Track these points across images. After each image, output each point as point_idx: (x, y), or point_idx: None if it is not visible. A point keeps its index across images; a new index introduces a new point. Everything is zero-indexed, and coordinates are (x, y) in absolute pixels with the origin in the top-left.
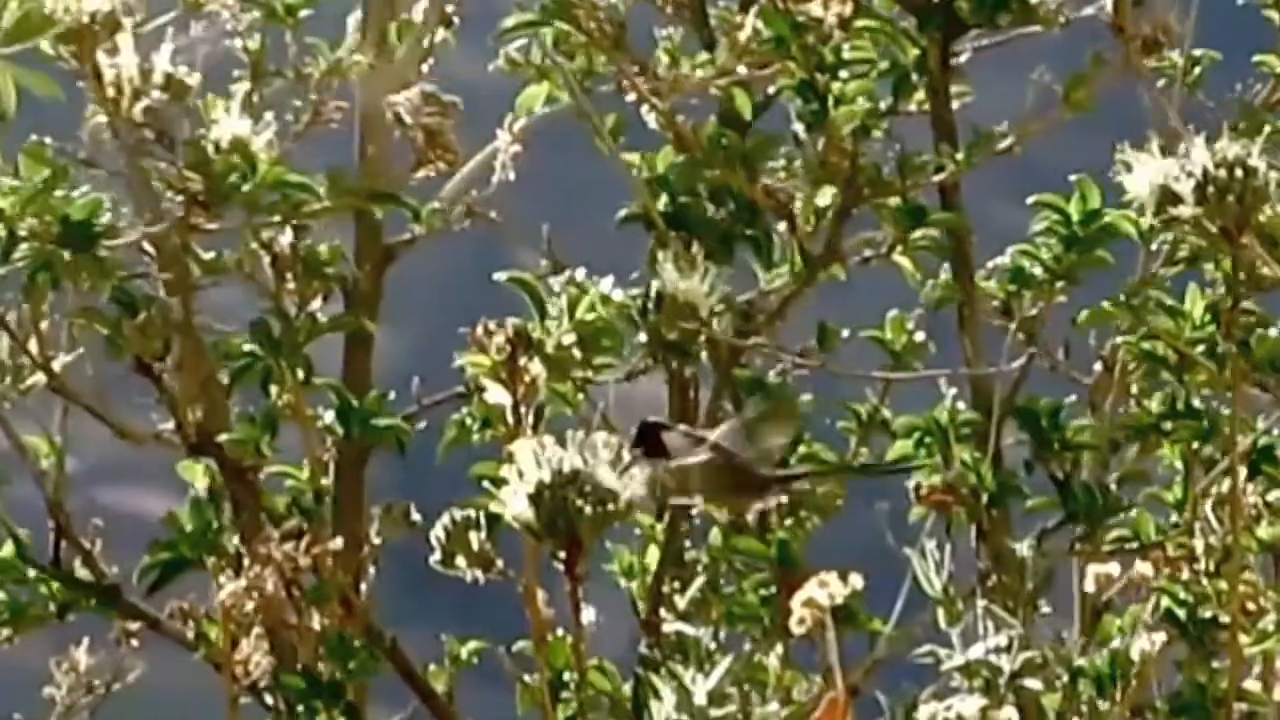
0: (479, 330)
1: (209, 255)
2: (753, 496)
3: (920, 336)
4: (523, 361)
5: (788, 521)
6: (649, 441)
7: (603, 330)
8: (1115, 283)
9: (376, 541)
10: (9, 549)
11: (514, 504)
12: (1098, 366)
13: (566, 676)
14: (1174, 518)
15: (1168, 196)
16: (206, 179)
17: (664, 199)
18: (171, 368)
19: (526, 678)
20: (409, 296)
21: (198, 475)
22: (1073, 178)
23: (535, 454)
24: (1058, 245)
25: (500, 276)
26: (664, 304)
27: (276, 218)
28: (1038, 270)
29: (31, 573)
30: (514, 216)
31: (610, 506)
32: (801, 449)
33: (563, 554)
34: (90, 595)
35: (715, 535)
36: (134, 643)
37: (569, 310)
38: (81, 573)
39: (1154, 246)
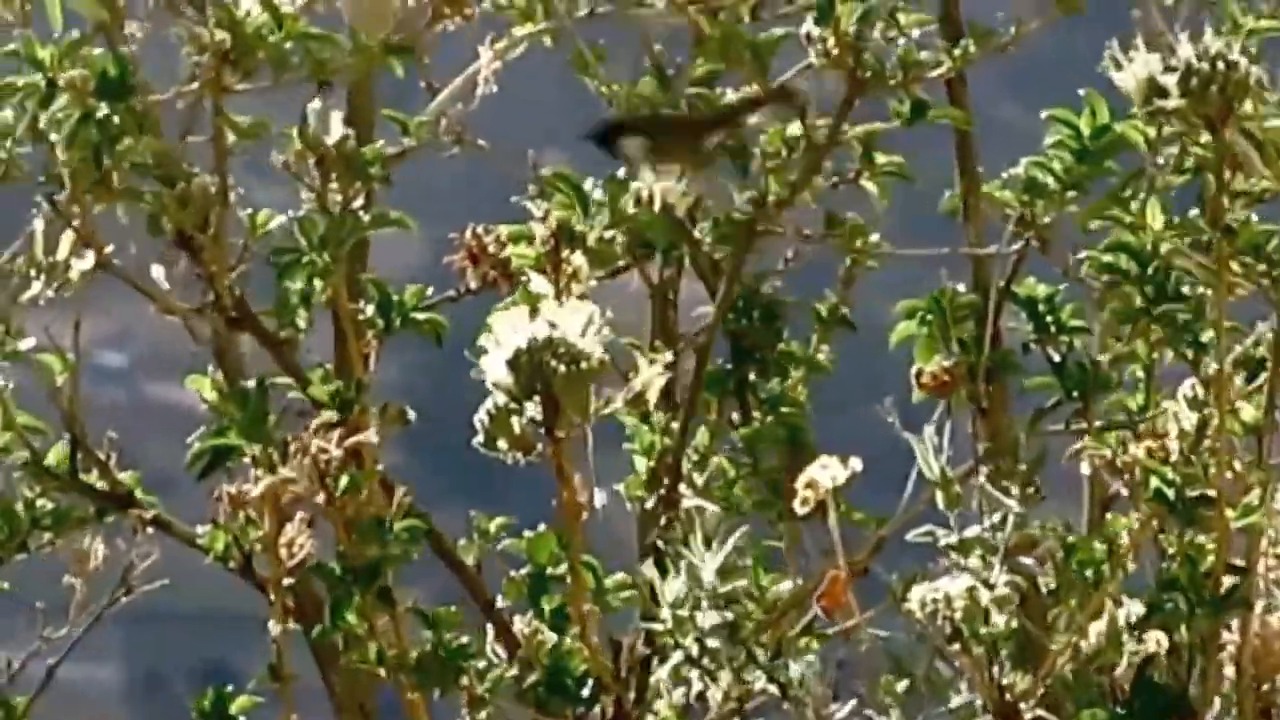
0: (471, 237)
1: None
2: (699, 137)
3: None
4: (565, 254)
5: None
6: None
7: (651, 224)
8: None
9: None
10: (55, 455)
11: (493, 370)
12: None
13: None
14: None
15: (1154, 89)
16: (234, 35)
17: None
18: (210, 240)
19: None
20: (433, 198)
21: (205, 385)
22: (1082, 91)
23: (512, 323)
24: (1069, 157)
25: (546, 171)
26: (640, 201)
27: (304, 73)
28: (1050, 180)
29: None
30: (500, 138)
31: (584, 365)
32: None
33: (540, 414)
34: (105, 502)
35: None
36: (149, 530)
37: (611, 204)
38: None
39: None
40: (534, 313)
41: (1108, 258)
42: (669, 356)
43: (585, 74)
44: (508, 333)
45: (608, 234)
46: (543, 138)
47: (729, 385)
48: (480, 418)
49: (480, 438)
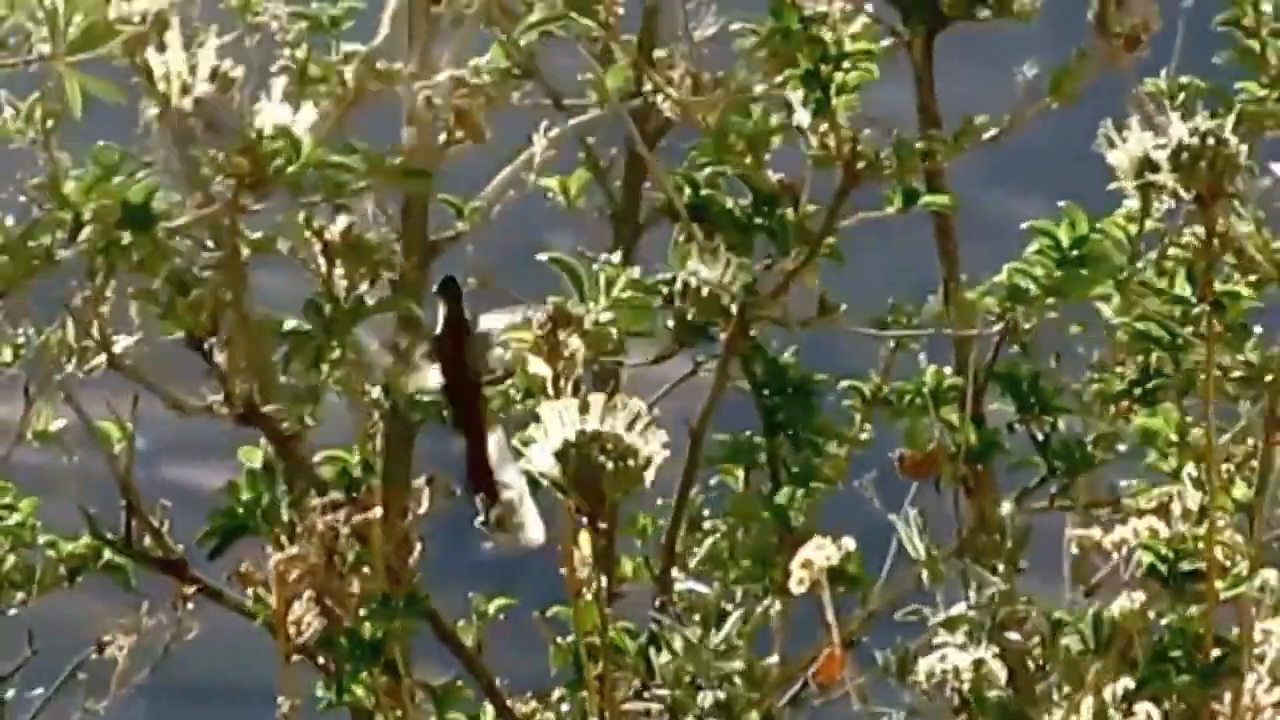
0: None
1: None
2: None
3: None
4: (562, 336)
5: (799, 493)
6: None
7: (638, 309)
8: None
9: (421, 511)
10: (22, 512)
11: (541, 460)
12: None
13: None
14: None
15: (1147, 165)
16: (253, 162)
17: (688, 192)
18: (220, 343)
19: (559, 640)
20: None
21: (256, 456)
22: (1061, 204)
23: (561, 415)
24: (1050, 264)
25: (542, 257)
26: (689, 293)
27: (319, 197)
28: (1032, 286)
29: (43, 539)
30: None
31: (631, 462)
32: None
33: (586, 509)
34: (159, 569)
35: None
36: (189, 605)
37: (606, 289)
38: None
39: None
40: (584, 406)
41: (1140, 326)
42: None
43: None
44: (555, 425)
45: (603, 317)
46: (555, 220)
47: (758, 458)
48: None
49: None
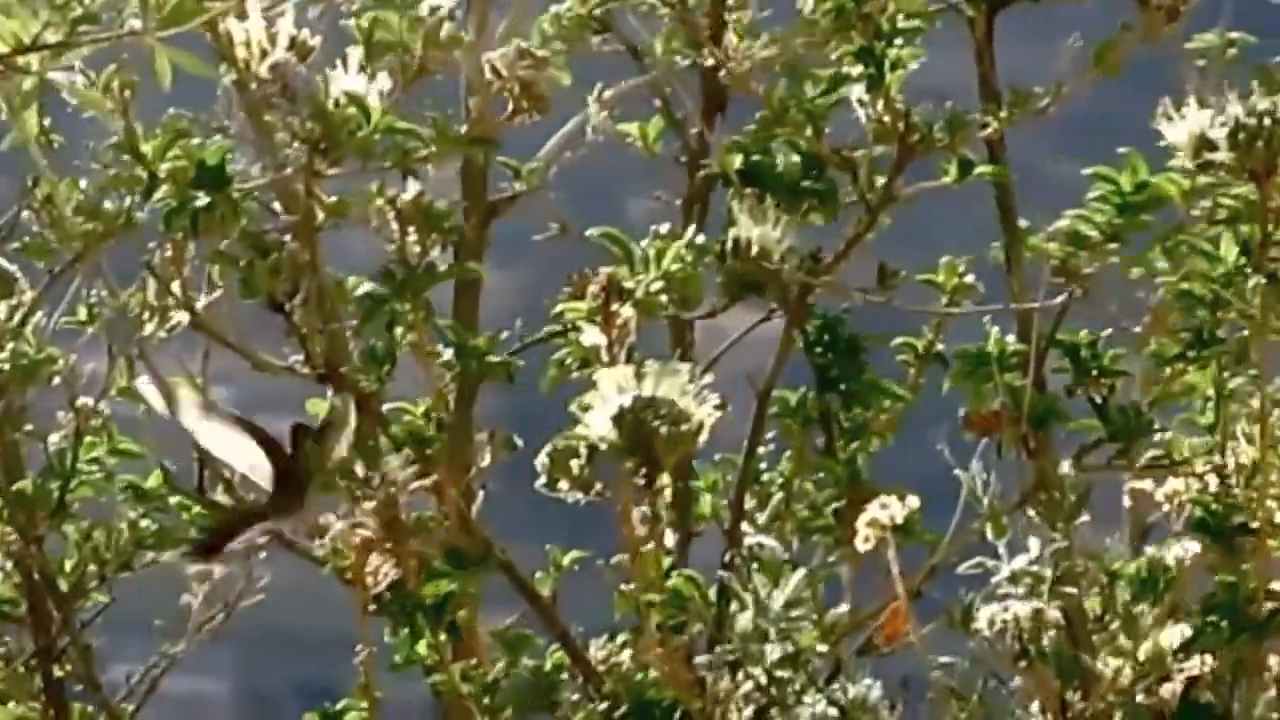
0: (577, 279)
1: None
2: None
3: (970, 278)
4: (615, 307)
5: (854, 445)
6: None
7: (687, 279)
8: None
9: (484, 465)
10: (155, 480)
11: (598, 426)
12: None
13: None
14: (1206, 439)
15: (1204, 143)
16: (325, 127)
17: (739, 158)
18: (300, 305)
19: (623, 586)
20: (519, 246)
21: (322, 406)
22: (1122, 150)
23: (617, 381)
24: (1111, 211)
25: (593, 232)
26: (739, 249)
27: (389, 163)
28: (1093, 232)
29: (174, 499)
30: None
31: (684, 426)
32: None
33: (643, 470)
34: (231, 518)
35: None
36: (263, 555)
37: (656, 260)
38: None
39: (1195, 211)
40: (639, 372)
41: (1185, 285)
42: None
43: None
44: (612, 391)
45: (654, 287)
46: (629, 185)
47: (813, 415)
48: (542, 460)
49: (542, 479)
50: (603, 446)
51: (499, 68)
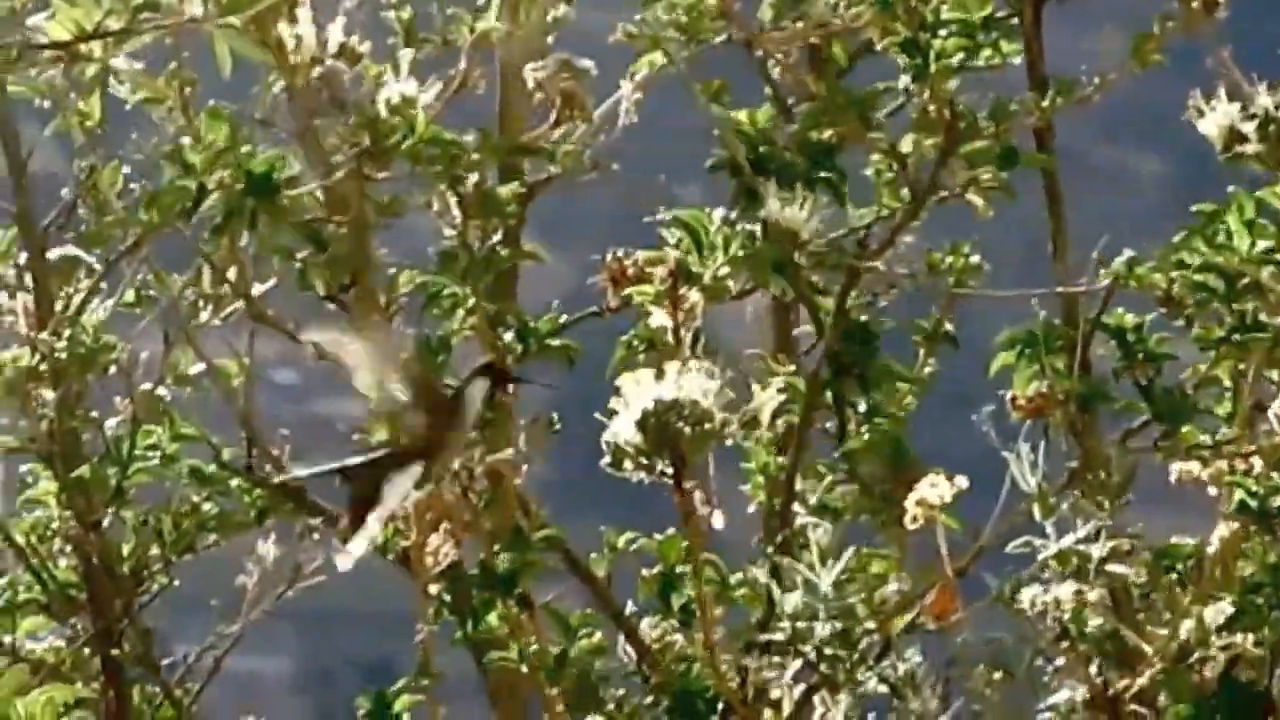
0: (613, 260)
1: (389, 200)
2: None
3: (976, 259)
4: (682, 290)
5: (864, 428)
6: None
7: (757, 263)
8: None
9: (525, 448)
10: (216, 464)
11: (624, 429)
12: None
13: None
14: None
15: (1234, 136)
16: (373, 136)
17: (748, 149)
18: (354, 300)
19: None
20: (584, 230)
21: None
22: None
23: (640, 385)
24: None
25: (665, 215)
26: (770, 231)
27: (436, 168)
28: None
29: (234, 482)
30: (635, 159)
31: (707, 426)
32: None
33: (669, 469)
34: (277, 495)
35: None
36: (315, 536)
37: (724, 246)
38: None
39: None
40: (660, 375)
41: (1199, 277)
42: (790, 369)
43: (716, 102)
44: (635, 395)
45: (722, 272)
46: (679, 169)
47: (826, 400)
48: (606, 441)
49: (607, 459)
50: (629, 450)
51: (541, 80)
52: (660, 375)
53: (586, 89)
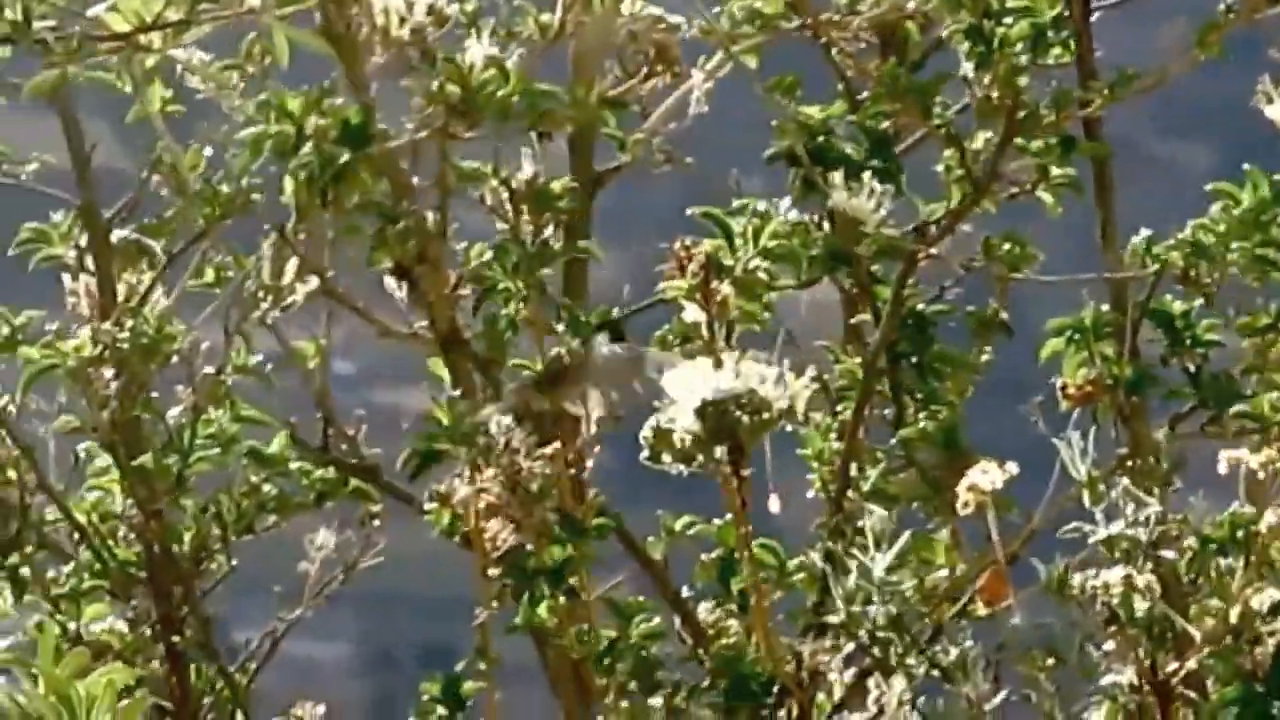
0: (681, 249)
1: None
2: None
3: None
4: (714, 284)
5: (922, 415)
6: None
7: (785, 255)
8: None
9: (590, 435)
10: (277, 444)
11: (683, 418)
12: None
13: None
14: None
15: None
16: (464, 89)
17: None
18: (427, 270)
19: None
20: (642, 224)
21: (442, 369)
22: (1245, 166)
23: (699, 374)
24: (1232, 222)
25: (694, 211)
26: (835, 220)
27: (526, 125)
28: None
29: (294, 465)
30: (706, 148)
31: (766, 415)
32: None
33: (728, 457)
34: (353, 474)
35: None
36: (376, 523)
37: (754, 238)
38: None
39: None
40: (718, 364)
41: (1259, 250)
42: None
43: (788, 96)
44: (695, 383)
45: (752, 264)
46: (743, 161)
47: (883, 387)
48: (645, 435)
49: (645, 453)
50: (687, 439)
51: (635, 31)
52: (719, 365)
53: (678, 44)
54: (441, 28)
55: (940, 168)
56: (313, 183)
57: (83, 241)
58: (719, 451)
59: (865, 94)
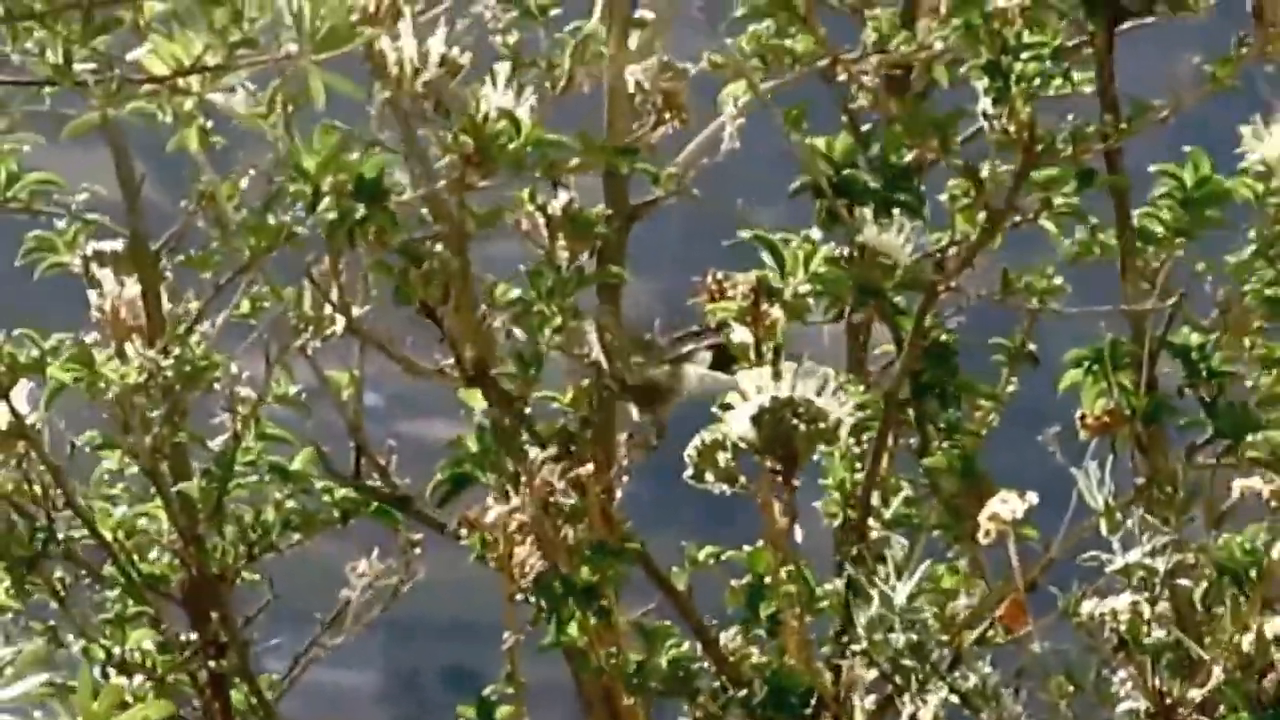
0: (712, 280)
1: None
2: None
3: (1059, 280)
4: (764, 307)
5: (946, 444)
6: None
7: (837, 282)
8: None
9: (625, 463)
10: (300, 461)
11: (738, 425)
12: (1214, 312)
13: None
14: None
15: None
16: (478, 140)
17: (830, 171)
18: (450, 311)
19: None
20: (659, 253)
21: (478, 399)
22: (1186, 148)
23: (756, 382)
24: (1176, 207)
25: (744, 234)
26: (865, 254)
27: (538, 174)
28: (1159, 229)
29: (319, 483)
30: (732, 180)
31: (821, 425)
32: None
33: (780, 466)
34: (386, 504)
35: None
36: (417, 550)
37: (804, 263)
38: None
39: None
40: (777, 374)
41: (1269, 291)
42: (861, 390)
43: (795, 127)
44: (752, 391)
45: (802, 289)
46: (758, 193)
47: (908, 416)
48: (689, 453)
49: (690, 471)
50: (743, 444)
51: (642, 81)
52: (777, 376)
53: (685, 90)
54: (456, 77)
55: (944, 196)
56: (335, 230)
57: (89, 250)
58: (770, 461)
59: (869, 123)
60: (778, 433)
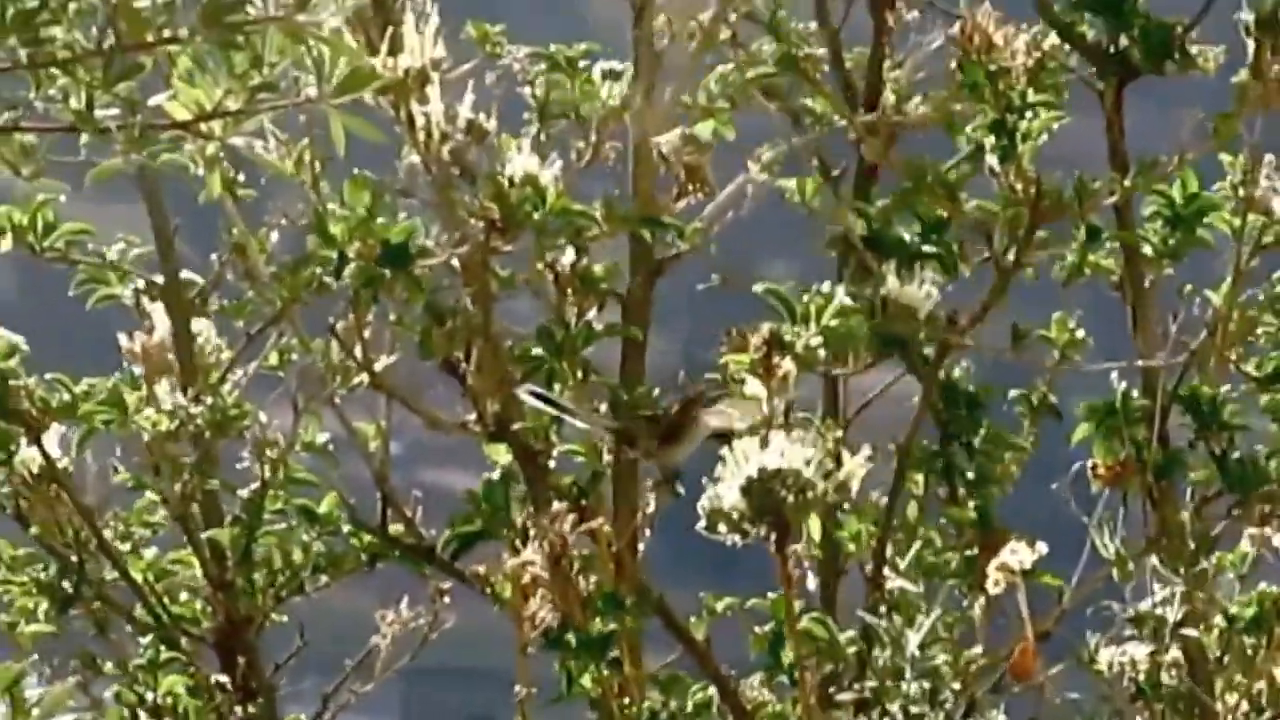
0: (734, 334)
1: (505, 273)
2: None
3: (1081, 333)
4: (776, 360)
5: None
6: None
7: (846, 335)
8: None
9: (649, 511)
10: (327, 504)
11: (728, 496)
12: (1204, 334)
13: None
14: None
15: None
16: (503, 208)
17: (861, 225)
18: (473, 368)
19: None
20: (674, 305)
21: (501, 453)
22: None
23: (745, 453)
24: (1164, 227)
25: (759, 288)
26: (888, 307)
27: (562, 240)
28: (1148, 249)
29: (346, 528)
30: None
31: (810, 494)
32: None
33: (773, 535)
34: (411, 554)
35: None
36: (446, 600)
37: (816, 316)
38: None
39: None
40: (764, 444)
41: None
42: (839, 432)
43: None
44: (740, 462)
45: (813, 342)
46: (770, 248)
47: (936, 466)
48: (703, 505)
49: (703, 522)
50: (734, 515)
51: (666, 154)
52: (765, 444)
53: (708, 164)
54: (481, 142)
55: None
56: (360, 293)
57: (140, 284)
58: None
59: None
60: (766, 504)
